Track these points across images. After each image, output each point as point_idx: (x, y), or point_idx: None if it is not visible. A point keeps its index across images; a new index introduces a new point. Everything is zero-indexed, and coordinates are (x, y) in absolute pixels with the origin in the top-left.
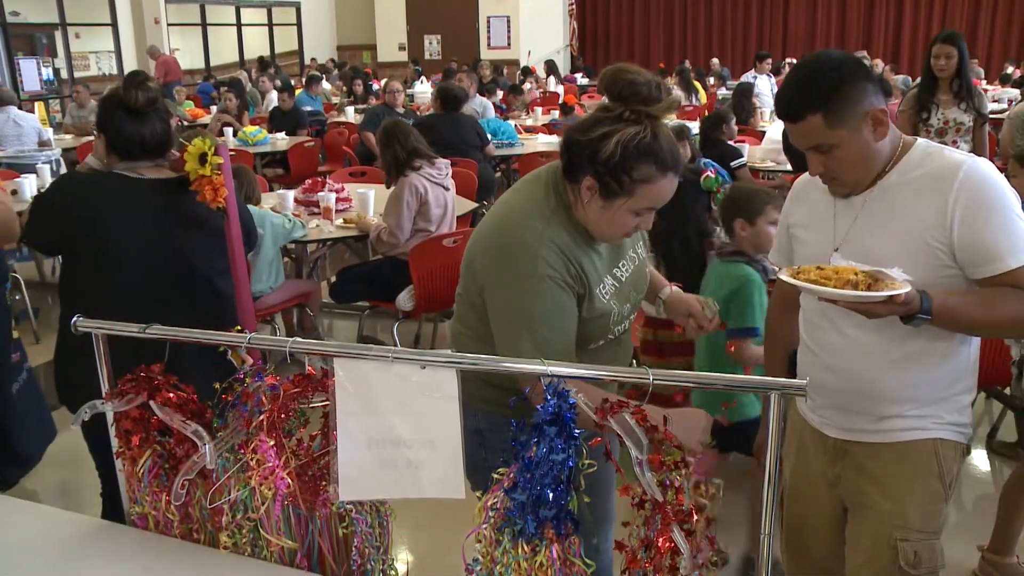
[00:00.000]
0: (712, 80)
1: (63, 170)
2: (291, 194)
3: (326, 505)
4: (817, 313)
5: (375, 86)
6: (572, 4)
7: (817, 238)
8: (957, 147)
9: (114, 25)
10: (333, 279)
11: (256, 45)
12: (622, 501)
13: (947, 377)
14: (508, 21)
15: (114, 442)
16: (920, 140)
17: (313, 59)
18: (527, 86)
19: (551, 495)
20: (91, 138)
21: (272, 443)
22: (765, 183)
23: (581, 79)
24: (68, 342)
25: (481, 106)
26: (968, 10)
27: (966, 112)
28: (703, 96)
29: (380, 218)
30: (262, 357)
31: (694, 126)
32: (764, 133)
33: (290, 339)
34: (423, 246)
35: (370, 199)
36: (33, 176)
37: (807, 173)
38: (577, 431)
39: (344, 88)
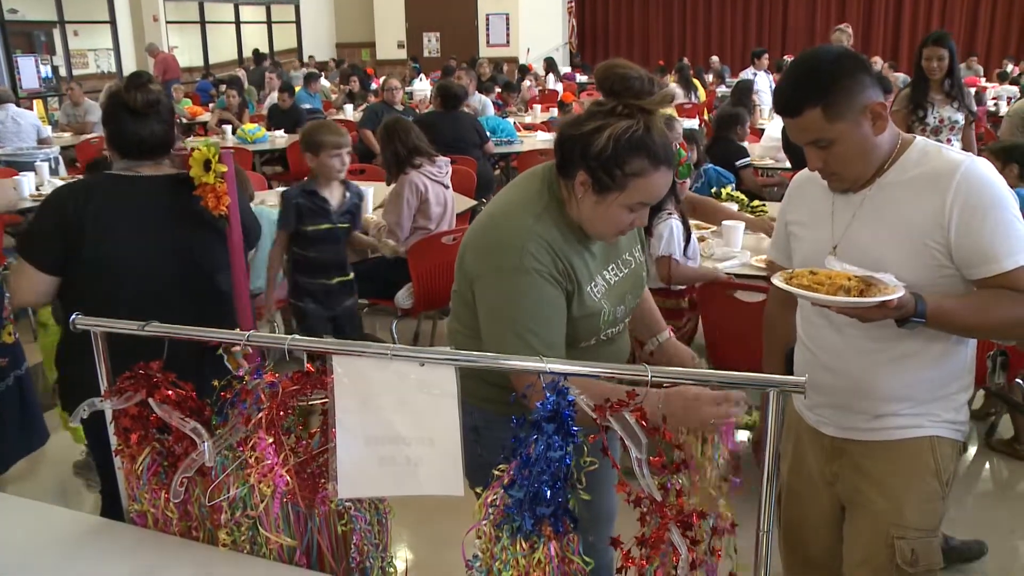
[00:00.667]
0: (711, 78)
1: (62, 168)
2: None
3: (325, 502)
4: (814, 312)
5: (373, 85)
6: (571, 1)
7: (815, 236)
8: (950, 145)
9: (113, 23)
10: None
11: (255, 43)
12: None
13: (944, 376)
14: (507, 19)
15: (113, 440)
16: (919, 138)
17: (311, 57)
18: (526, 83)
19: (548, 492)
20: (88, 136)
21: (271, 440)
22: (764, 180)
23: (580, 77)
24: (68, 342)
25: (480, 103)
26: (967, 7)
27: (958, 111)
28: (702, 94)
29: (379, 215)
30: (261, 355)
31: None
32: (763, 130)
33: (288, 336)
34: (422, 244)
35: (369, 197)
36: (32, 174)
37: (806, 169)
38: (575, 428)
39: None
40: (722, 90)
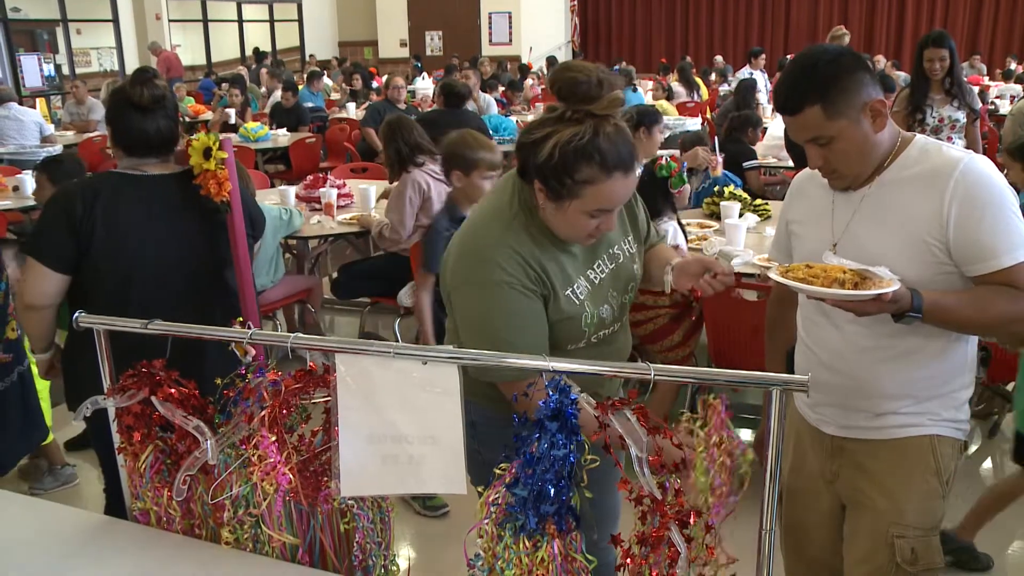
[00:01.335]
0: (714, 76)
1: None
2: (292, 190)
3: (328, 501)
4: (815, 310)
5: (376, 83)
6: (574, 0)
7: (815, 234)
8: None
9: (115, 21)
10: (335, 275)
11: (257, 41)
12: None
13: (944, 374)
14: (510, 17)
15: (116, 438)
16: (918, 136)
17: (312, 55)
18: (529, 82)
19: (552, 491)
20: (92, 135)
21: (274, 439)
22: (767, 180)
23: None
24: (73, 339)
25: (485, 102)
26: (970, 5)
27: (959, 109)
28: (704, 93)
29: (382, 214)
30: (264, 353)
31: (695, 123)
32: (766, 129)
33: (291, 335)
34: None
35: (371, 195)
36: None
37: (806, 169)
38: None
39: (345, 85)
40: (724, 89)
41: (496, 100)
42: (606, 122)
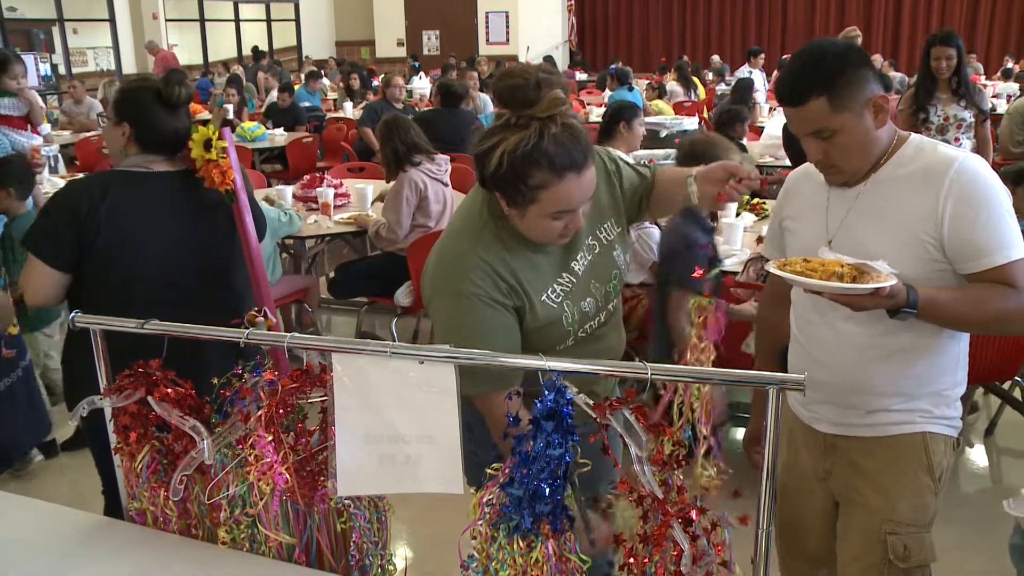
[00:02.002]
0: (711, 76)
1: (61, 166)
2: (289, 190)
3: (324, 500)
4: (808, 307)
5: (374, 83)
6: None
7: (809, 230)
8: (959, 144)
9: (112, 21)
10: (331, 275)
11: (254, 41)
12: None
13: (936, 372)
14: (507, 17)
15: (112, 438)
16: (914, 135)
17: (307, 56)
18: None
19: (547, 490)
20: (89, 134)
21: (270, 439)
22: (763, 179)
23: (580, 75)
24: (72, 339)
25: (481, 101)
26: (967, 5)
27: (966, 108)
28: (702, 92)
29: (379, 213)
30: (260, 353)
31: (692, 122)
32: (763, 128)
33: (288, 335)
34: (421, 241)
35: (368, 195)
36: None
37: (802, 166)
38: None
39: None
40: (722, 88)
41: (492, 100)
42: (552, 124)
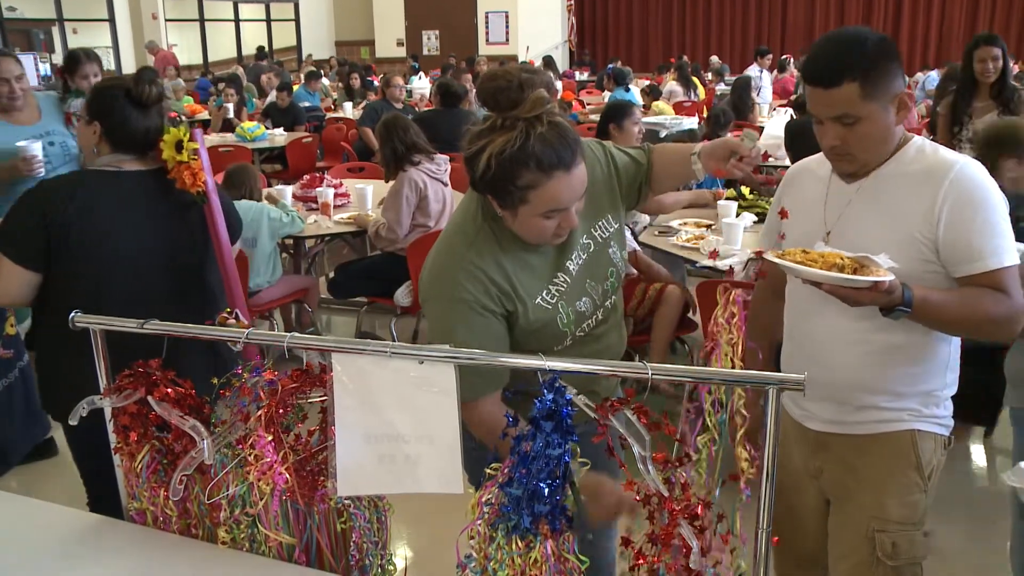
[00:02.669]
0: (710, 76)
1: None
2: (289, 190)
3: (324, 500)
4: (802, 302)
5: (374, 82)
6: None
7: (807, 223)
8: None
9: (112, 21)
10: (331, 275)
11: (254, 41)
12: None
13: (926, 372)
14: (506, 17)
15: (112, 438)
16: (917, 137)
17: (309, 55)
18: None
19: (546, 490)
20: None
21: (270, 438)
22: (762, 178)
23: (580, 74)
24: (48, 341)
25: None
26: (967, 6)
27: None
28: (702, 92)
29: (379, 213)
30: (260, 353)
31: (692, 122)
32: (763, 128)
33: (288, 335)
34: (421, 241)
35: (368, 195)
36: None
37: (802, 160)
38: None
39: (341, 85)
40: (721, 88)
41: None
42: (538, 123)
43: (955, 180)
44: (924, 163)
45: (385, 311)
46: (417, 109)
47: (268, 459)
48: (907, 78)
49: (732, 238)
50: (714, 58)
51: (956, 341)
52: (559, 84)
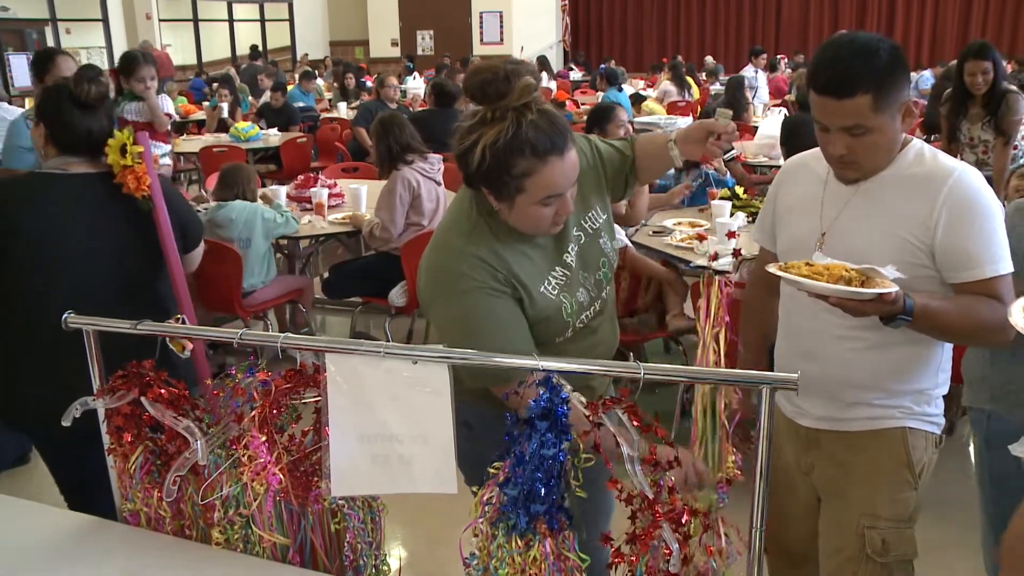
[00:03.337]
0: (705, 76)
1: None
2: (283, 190)
3: (318, 501)
4: (793, 298)
5: (368, 82)
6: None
7: (802, 222)
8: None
9: (105, 21)
10: (326, 275)
11: (248, 41)
12: None
13: (917, 371)
14: (501, 17)
15: (105, 439)
16: (916, 140)
17: (305, 54)
18: None
19: (543, 490)
20: None
21: (264, 439)
22: (757, 178)
23: (574, 74)
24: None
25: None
26: (960, 7)
27: (991, 130)
28: (696, 92)
29: (373, 213)
30: (254, 353)
31: (686, 122)
32: (757, 128)
33: (282, 335)
34: (415, 241)
35: (362, 195)
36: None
37: (800, 154)
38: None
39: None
40: (716, 88)
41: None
42: (527, 111)
43: (954, 187)
44: (923, 168)
45: (380, 311)
46: (411, 109)
47: (262, 460)
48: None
49: (725, 237)
50: (708, 58)
51: (947, 344)
52: (553, 84)
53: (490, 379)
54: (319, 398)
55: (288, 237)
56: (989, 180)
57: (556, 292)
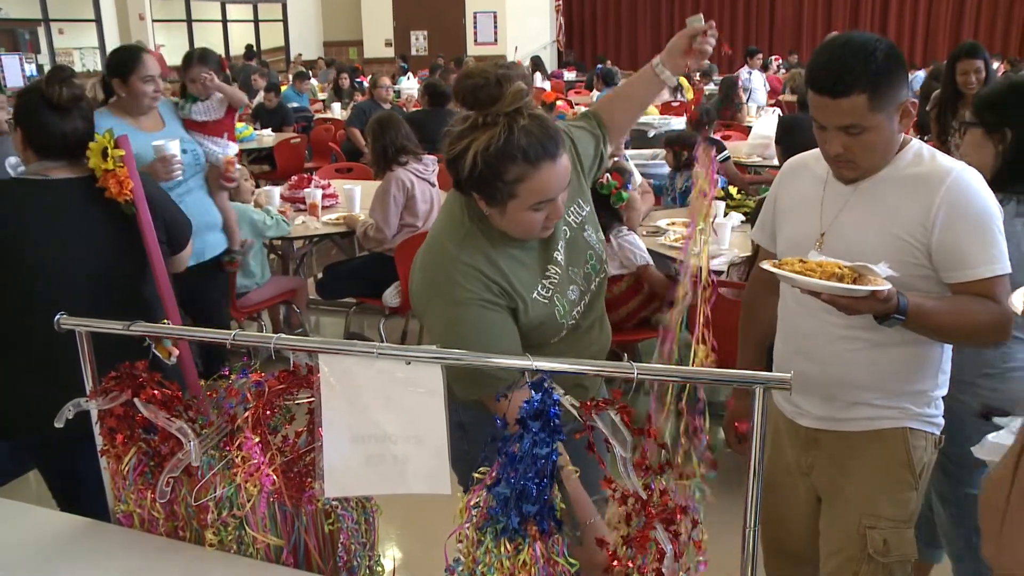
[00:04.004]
0: (699, 76)
1: None
2: (277, 191)
3: (312, 502)
4: (792, 297)
5: (363, 83)
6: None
7: (802, 221)
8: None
9: (98, 21)
10: (320, 276)
11: (242, 41)
12: None
13: (917, 372)
14: (495, 17)
15: (99, 440)
16: (915, 140)
17: (299, 55)
18: None
19: (535, 490)
20: None
21: (257, 440)
22: (751, 178)
23: (568, 74)
24: None
25: None
26: (953, 6)
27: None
28: (689, 92)
29: (366, 214)
30: (248, 354)
31: (680, 122)
32: (751, 128)
33: (275, 336)
34: (409, 242)
35: (356, 196)
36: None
37: (801, 154)
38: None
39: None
40: (710, 88)
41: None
42: (519, 117)
43: (952, 186)
44: (921, 168)
45: (374, 312)
46: (405, 110)
47: (255, 461)
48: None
49: (720, 238)
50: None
51: (946, 345)
52: (547, 84)
53: (482, 388)
54: (312, 399)
55: (282, 238)
56: None
57: (549, 295)
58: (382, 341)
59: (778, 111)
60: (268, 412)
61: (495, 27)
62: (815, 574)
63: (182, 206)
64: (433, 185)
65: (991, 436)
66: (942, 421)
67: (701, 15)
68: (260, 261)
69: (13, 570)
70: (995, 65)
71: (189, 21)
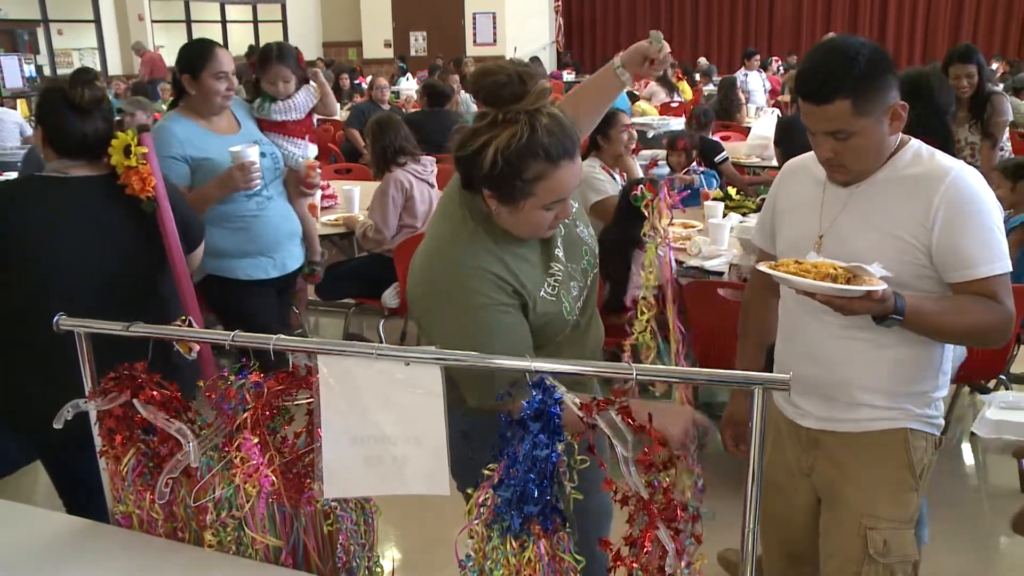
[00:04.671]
0: (699, 77)
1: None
2: None
3: (311, 502)
4: (793, 299)
5: (362, 84)
6: (558, 0)
7: (802, 224)
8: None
9: (97, 22)
10: None
11: (241, 42)
12: None
13: (918, 373)
14: (494, 17)
15: (97, 441)
16: (913, 140)
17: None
18: None
19: (535, 491)
20: None
21: (256, 441)
22: (750, 179)
23: (567, 75)
24: None
25: (465, 104)
26: (951, 7)
27: (976, 132)
28: (687, 93)
29: (366, 215)
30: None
31: (679, 123)
32: (750, 129)
33: (274, 336)
34: (408, 243)
35: (355, 196)
36: (15, 174)
37: (799, 156)
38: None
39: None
40: (709, 88)
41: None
42: (540, 115)
43: (951, 186)
44: (920, 168)
45: (373, 313)
46: (404, 110)
47: (254, 461)
48: None
49: (718, 239)
50: (702, 59)
51: (948, 345)
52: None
53: (490, 400)
54: (312, 400)
55: None
56: None
57: (556, 292)
58: (381, 342)
59: (777, 112)
60: (267, 413)
61: (494, 28)
62: (815, 574)
63: (263, 217)
64: (432, 186)
65: (988, 413)
66: (942, 422)
67: (660, 34)
68: None
69: (13, 570)
70: (994, 66)
71: (188, 22)
